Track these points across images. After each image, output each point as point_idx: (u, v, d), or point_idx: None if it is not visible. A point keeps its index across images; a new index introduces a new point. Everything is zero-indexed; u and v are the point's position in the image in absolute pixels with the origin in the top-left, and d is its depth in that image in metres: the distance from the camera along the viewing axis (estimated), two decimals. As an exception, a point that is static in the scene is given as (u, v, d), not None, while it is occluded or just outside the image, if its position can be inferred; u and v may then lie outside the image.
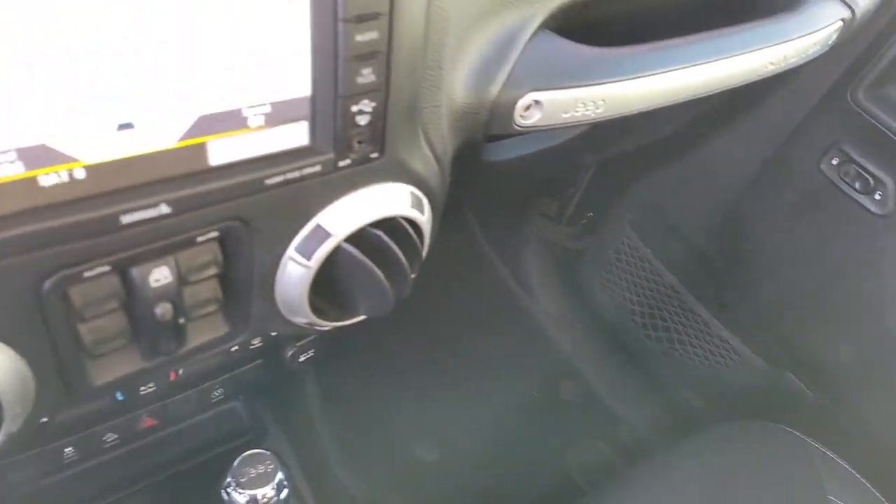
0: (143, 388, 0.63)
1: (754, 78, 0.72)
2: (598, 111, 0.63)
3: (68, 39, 0.32)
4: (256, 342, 0.68)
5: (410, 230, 0.51)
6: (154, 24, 0.34)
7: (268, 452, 0.73)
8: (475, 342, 1.73)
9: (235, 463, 0.71)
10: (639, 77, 0.63)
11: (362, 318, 0.56)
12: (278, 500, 0.71)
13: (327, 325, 0.54)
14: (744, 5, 0.77)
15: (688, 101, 0.71)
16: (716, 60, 0.66)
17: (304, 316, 0.51)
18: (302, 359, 0.84)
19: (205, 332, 0.50)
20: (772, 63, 0.73)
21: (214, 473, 0.93)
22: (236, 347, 0.55)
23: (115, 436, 0.72)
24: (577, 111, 0.61)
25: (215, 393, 0.77)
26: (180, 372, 0.65)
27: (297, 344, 0.81)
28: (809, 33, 0.73)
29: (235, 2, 0.36)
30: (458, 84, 0.53)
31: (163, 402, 0.73)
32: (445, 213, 0.58)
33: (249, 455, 0.72)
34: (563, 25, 0.61)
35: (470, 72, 0.54)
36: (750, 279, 1.27)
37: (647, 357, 1.56)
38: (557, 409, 1.64)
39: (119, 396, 0.62)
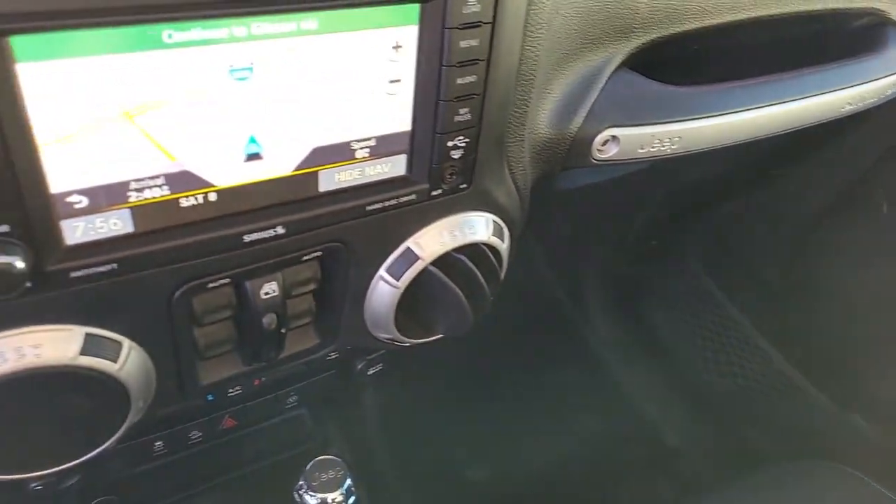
0: (231, 390, 0.67)
1: (831, 118, 0.73)
2: (674, 147, 0.65)
3: (213, 89, 0.37)
4: (333, 354, 0.73)
5: (492, 257, 0.54)
6: (283, 74, 0.39)
7: (338, 459, 0.77)
8: (530, 367, 1.74)
9: (308, 467, 0.75)
10: (716, 116, 0.65)
11: (439, 336, 0.59)
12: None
13: (407, 342, 0.58)
14: (821, 46, 0.77)
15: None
16: (793, 100, 0.68)
17: (388, 332, 0.55)
18: (371, 372, 0.88)
19: (297, 342, 0.54)
20: (849, 103, 0.73)
21: (280, 476, 0.98)
22: (319, 357, 0.60)
23: (200, 434, 0.77)
24: (652, 147, 0.64)
25: (290, 399, 0.82)
26: (263, 378, 0.69)
27: (368, 357, 0.85)
28: (888, 75, 0.74)
29: (351, 51, 0.40)
30: (541, 120, 0.56)
31: (244, 404, 0.78)
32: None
33: (321, 460, 0.76)
34: (640, 62, 0.64)
35: (553, 108, 0.57)
36: (818, 316, 1.24)
37: (707, 389, 1.54)
38: (613, 439, 1.63)
39: (210, 397, 0.67)
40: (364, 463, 1.18)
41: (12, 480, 0.67)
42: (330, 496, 0.73)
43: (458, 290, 0.51)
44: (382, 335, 0.56)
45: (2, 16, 0.29)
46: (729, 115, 0.66)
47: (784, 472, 1.02)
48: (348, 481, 0.74)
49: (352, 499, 0.74)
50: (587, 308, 1.74)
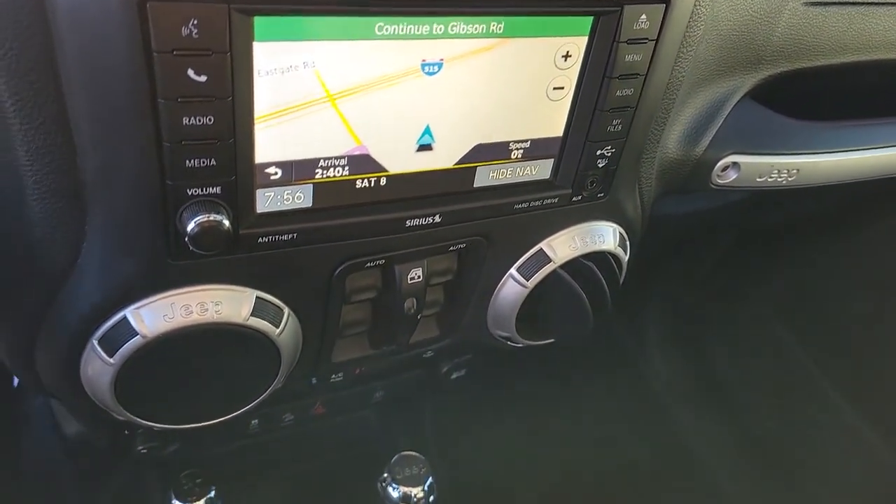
0: (334, 376, 0.70)
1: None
2: (790, 179, 0.66)
3: (405, 80, 0.40)
4: (429, 353, 0.75)
5: (615, 266, 0.55)
6: (466, 72, 0.41)
7: (421, 456, 0.78)
8: (582, 395, 1.72)
9: (392, 460, 0.77)
10: (836, 152, 0.65)
11: (549, 341, 0.61)
12: (427, 501, 0.76)
13: (521, 343, 0.60)
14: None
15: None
16: (912, 144, 0.68)
17: (506, 330, 0.57)
18: (454, 376, 0.90)
19: (420, 332, 0.57)
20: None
21: (348, 470, 1.00)
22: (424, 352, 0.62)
23: (292, 417, 0.80)
24: (770, 177, 0.65)
25: (377, 394, 0.84)
26: (363, 368, 0.72)
27: (455, 360, 0.87)
28: None
29: (527, 56, 0.43)
30: (671, 140, 0.58)
31: (336, 394, 0.80)
32: None
33: (405, 456, 0.78)
34: (760, 94, 0.65)
35: (683, 130, 0.58)
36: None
37: (765, 436, 1.50)
38: (662, 474, 1.60)
39: (313, 380, 0.70)
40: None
41: (130, 442, 0.71)
42: (413, 490, 0.75)
43: (584, 294, 0.53)
44: (500, 333, 0.58)
45: None
46: (846, 153, 0.67)
47: None
48: (430, 478, 0.76)
49: (433, 496, 0.76)
50: (645, 341, 1.73)
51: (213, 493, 0.78)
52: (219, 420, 0.49)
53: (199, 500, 0.78)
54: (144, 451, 0.73)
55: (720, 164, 0.62)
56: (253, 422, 0.78)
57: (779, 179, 0.66)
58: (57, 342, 0.42)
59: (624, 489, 1.58)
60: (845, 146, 0.66)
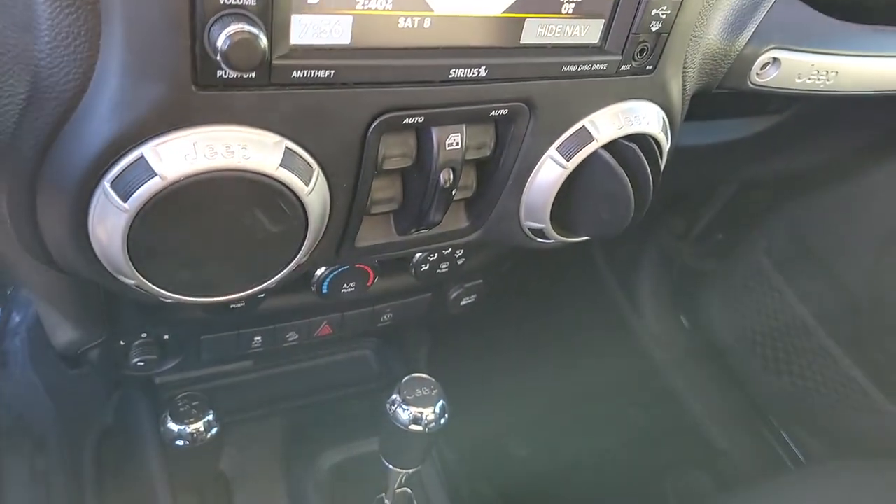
0: (345, 286, 0.67)
1: None
2: (828, 83, 0.63)
3: None
4: (444, 267, 0.72)
5: (657, 152, 0.52)
6: None
7: (431, 378, 0.75)
8: (575, 354, 1.71)
9: (402, 381, 0.73)
10: (878, 56, 0.63)
11: (583, 239, 0.58)
12: (438, 424, 0.72)
13: (552, 239, 0.56)
14: None
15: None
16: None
17: (540, 221, 0.54)
18: (464, 302, 0.86)
19: (448, 222, 0.53)
20: None
21: (342, 411, 0.97)
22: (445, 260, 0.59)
23: (296, 336, 0.76)
24: (809, 78, 0.62)
25: (385, 317, 0.81)
26: (376, 280, 0.68)
27: (465, 286, 0.83)
28: None
29: None
30: (715, 26, 0.55)
31: (343, 313, 0.77)
32: None
33: (415, 377, 0.75)
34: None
35: (725, 18, 0.55)
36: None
37: (761, 389, 1.50)
38: (654, 430, 1.60)
39: (325, 290, 0.66)
40: None
41: (125, 354, 0.67)
42: (424, 412, 0.72)
43: (626, 178, 0.50)
44: (532, 225, 0.54)
45: None
46: (887, 59, 0.64)
47: (833, 470, 0.99)
48: (442, 400, 0.73)
49: (444, 418, 0.72)
50: (638, 298, 1.71)
51: (211, 416, 0.74)
52: (235, 296, 0.45)
53: (196, 422, 0.73)
54: (141, 363, 0.68)
55: (760, 59, 0.59)
56: (256, 339, 0.74)
57: (817, 82, 0.63)
58: (63, 188, 0.37)
59: (614, 443, 1.58)
60: (887, 51, 0.64)
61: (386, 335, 1.06)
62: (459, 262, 0.71)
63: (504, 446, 1.50)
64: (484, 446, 1.48)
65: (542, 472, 1.48)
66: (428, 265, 0.69)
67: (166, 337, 0.69)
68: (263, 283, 0.45)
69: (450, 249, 0.68)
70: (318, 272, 0.64)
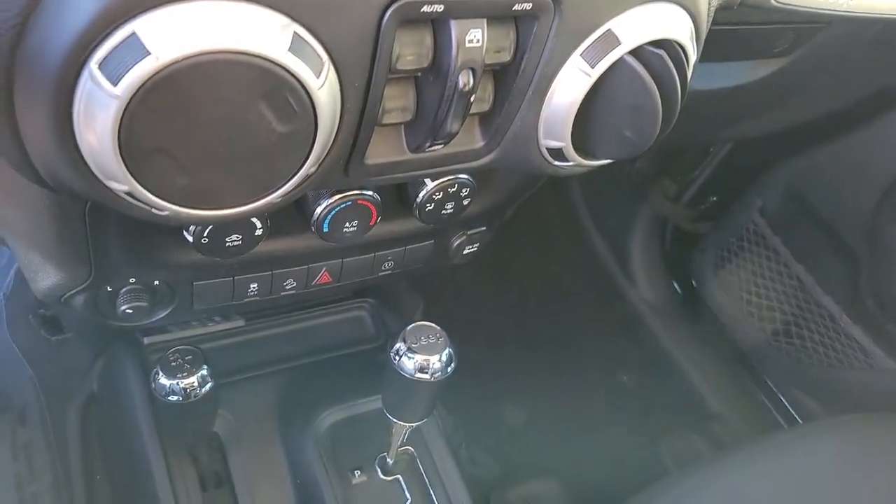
0: (347, 225, 0.63)
1: None
2: (851, 3, 0.61)
3: None
4: (449, 207, 0.68)
5: (685, 61, 0.49)
6: None
7: (436, 326, 0.72)
8: (567, 317, 1.70)
9: (406, 329, 0.70)
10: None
11: (605, 162, 0.54)
12: (445, 373, 0.69)
13: (572, 162, 0.53)
14: None
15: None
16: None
17: (561, 139, 0.50)
18: (466, 251, 0.83)
19: (461, 141, 0.50)
20: None
21: (340, 371, 0.93)
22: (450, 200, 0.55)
23: (294, 284, 0.72)
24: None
25: (386, 265, 0.77)
26: (379, 220, 0.65)
27: (468, 233, 0.80)
28: None
29: None
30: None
31: (343, 259, 0.73)
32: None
33: (419, 325, 0.71)
34: None
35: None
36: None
37: (756, 351, 1.49)
38: (648, 395, 1.59)
39: (325, 228, 0.62)
40: None
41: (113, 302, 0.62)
42: (430, 359, 0.68)
43: (654, 87, 0.47)
44: (551, 144, 0.51)
45: None
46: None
47: (831, 425, 0.98)
48: (449, 348, 0.69)
49: (451, 366, 0.69)
50: (630, 264, 1.70)
51: (205, 371, 0.69)
52: (237, 211, 0.41)
53: (190, 376, 0.68)
54: (129, 311, 0.64)
55: (784, -29, 0.56)
56: (252, 286, 0.70)
57: (839, 1, 0.61)
58: (44, 74, 0.33)
59: (609, 409, 1.56)
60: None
61: (382, 295, 1.02)
62: (465, 201, 0.67)
63: (500, 414, 1.48)
64: (480, 414, 1.46)
65: (538, 440, 1.47)
66: (433, 205, 0.66)
67: (156, 283, 0.64)
68: (268, 194, 0.41)
69: (455, 187, 0.64)
70: (319, 209, 0.60)
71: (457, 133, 0.46)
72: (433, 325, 0.72)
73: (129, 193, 0.37)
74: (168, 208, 0.38)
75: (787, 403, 1.48)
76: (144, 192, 0.37)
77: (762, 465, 0.89)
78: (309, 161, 0.40)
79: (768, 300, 1.43)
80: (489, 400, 1.49)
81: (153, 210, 0.39)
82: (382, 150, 0.47)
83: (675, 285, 1.69)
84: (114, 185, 0.37)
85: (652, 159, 1.60)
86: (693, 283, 1.60)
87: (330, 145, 0.42)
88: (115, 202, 0.38)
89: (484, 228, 0.81)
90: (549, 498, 1.22)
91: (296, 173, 0.41)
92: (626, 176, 1.65)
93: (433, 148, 0.48)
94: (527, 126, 0.50)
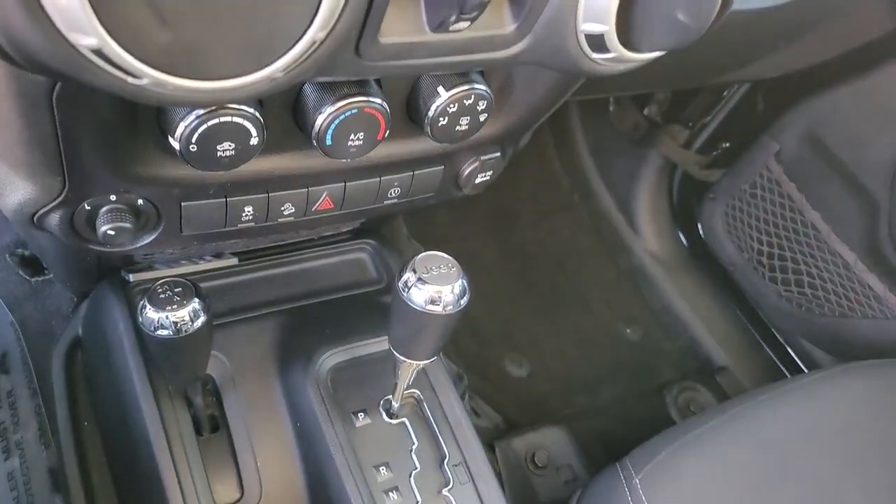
0: (352, 137, 0.56)
1: None
2: None
3: None
4: (464, 123, 0.62)
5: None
6: None
7: (448, 256, 0.66)
8: (571, 269, 1.66)
9: (416, 258, 0.64)
10: None
11: (648, 57, 0.48)
12: (457, 306, 0.63)
13: (614, 53, 0.46)
14: None
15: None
16: None
17: (603, 22, 0.44)
18: (478, 180, 0.77)
19: (490, 24, 0.43)
20: None
21: (340, 313, 0.88)
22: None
23: (293, 209, 0.66)
24: None
25: (392, 191, 0.71)
26: (387, 134, 0.58)
27: (482, 158, 0.74)
28: None
29: None
30: None
31: (346, 182, 0.67)
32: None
33: (429, 255, 0.65)
34: None
35: None
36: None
37: (764, 302, 1.45)
38: (653, 347, 1.56)
39: (328, 141, 0.55)
40: None
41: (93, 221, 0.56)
42: (443, 291, 0.62)
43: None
44: (591, 28, 0.44)
45: None
46: None
47: (840, 372, 0.94)
48: (462, 279, 0.63)
49: (465, 297, 0.63)
50: (636, 215, 1.65)
51: (197, 304, 0.63)
52: (229, 84, 0.35)
53: (180, 309, 0.62)
54: (112, 232, 0.58)
55: None
56: (247, 209, 0.64)
57: None
58: None
59: (614, 361, 1.53)
60: None
61: (382, 242, 0.96)
62: (481, 117, 0.61)
63: (503, 366, 1.45)
64: (483, 366, 1.43)
65: (542, 391, 1.44)
66: (446, 119, 0.59)
67: (140, 202, 0.58)
68: (267, 63, 0.35)
69: (472, 98, 0.58)
70: (321, 118, 0.54)
71: (486, 5, 0.40)
72: (445, 254, 0.66)
73: (97, 52, 0.30)
74: (146, 73, 0.32)
75: (794, 355, 1.45)
76: (116, 47, 0.30)
77: (785, 407, 0.85)
78: (316, 22, 0.33)
79: (780, 249, 1.38)
80: (492, 351, 1.46)
81: (129, 79, 0.32)
82: (400, 27, 0.41)
83: (682, 236, 1.65)
84: (79, 38, 0.30)
85: (662, 104, 1.54)
86: (700, 232, 1.56)
87: (341, 6, 0.35)
88: (82, 68, 0.32)
89: (498, 154, 0.75)
90: (555, 447, 1.19)
91: (301, 37, 0.34)
92: (632, 126, 1.59)
93: (458, 26, 0.41)
94: (565, 6, 0.43)
